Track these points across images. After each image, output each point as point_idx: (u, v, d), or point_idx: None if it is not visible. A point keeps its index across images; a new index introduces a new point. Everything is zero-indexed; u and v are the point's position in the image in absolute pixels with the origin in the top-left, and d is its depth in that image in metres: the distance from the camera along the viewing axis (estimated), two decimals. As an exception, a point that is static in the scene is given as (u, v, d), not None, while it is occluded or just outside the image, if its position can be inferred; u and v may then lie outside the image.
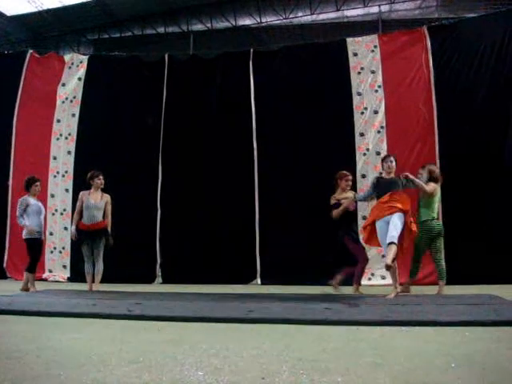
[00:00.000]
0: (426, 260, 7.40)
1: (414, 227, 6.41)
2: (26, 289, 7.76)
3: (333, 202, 7.28)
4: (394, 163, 6.61)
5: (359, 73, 9.70)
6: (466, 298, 6.02)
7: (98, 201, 7.88)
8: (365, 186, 8.92)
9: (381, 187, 6.61)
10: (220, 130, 10.03)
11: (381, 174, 6.61)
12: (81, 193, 7.96)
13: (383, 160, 6.83)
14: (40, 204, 8.06)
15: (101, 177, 7.96)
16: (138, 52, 13.90)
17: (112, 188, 10.04)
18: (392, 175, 6.63)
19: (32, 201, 7.94)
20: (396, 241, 6.07)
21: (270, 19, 18.31)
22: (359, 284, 7.36)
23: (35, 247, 7.88)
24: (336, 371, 2.71)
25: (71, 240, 8.73)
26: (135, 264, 9.71)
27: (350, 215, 7.38)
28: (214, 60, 10.74)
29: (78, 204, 7.89)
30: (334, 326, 4.34)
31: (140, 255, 9.84)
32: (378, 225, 6.41)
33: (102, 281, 8.87)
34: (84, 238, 7.85)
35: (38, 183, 8.05)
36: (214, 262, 9.51)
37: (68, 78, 10.86)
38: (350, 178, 7.46)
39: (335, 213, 7.12)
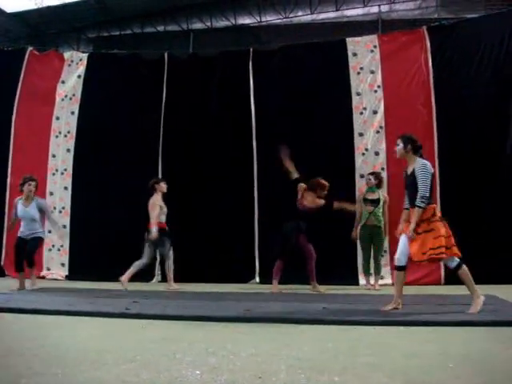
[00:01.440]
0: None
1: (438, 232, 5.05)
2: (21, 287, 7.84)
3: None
4: (399, 146, 5.41)
5: (358, 73, 9.68)
6: (464, 298, 6.02)
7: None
8: (363, 185, 8.91)
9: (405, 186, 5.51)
10: (219, 128, 10.01)
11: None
12: (157, 198, 8.27)
13: None
14: (35, 209, 7.83)
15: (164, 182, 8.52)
16: (137, 50, 13.85)
17: (111, 186, 10.10)
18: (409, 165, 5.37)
19: (19, 205, 7.87)
20: (401, 264, 5.26)
21: (270, 18, 18.24)
22: (316, 281, 7.84)
23: (16, 247, 7.99)
24: (333, 371, 2.72)
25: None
26: (133, 262, 9.70)
27: (307, 215, 7.74)
28: (213, 59, 10.72)
29: (158, 210, 8.20)
30: (331, 325, 4.35)
31: (138, 254, 9.82)
32: (401, 237, 5.34)
33: (101, 279, 8.90)
34: (163, 238, 8.26)
35: (31, 183, 7.86)
36: (212, 261, 9.50)
37: (67, 76, 10.82)
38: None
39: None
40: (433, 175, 5.27)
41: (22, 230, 7.88)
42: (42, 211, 7.99)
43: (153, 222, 8.08)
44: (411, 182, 5.23)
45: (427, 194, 5.07)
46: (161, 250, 8.50)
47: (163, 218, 8.35)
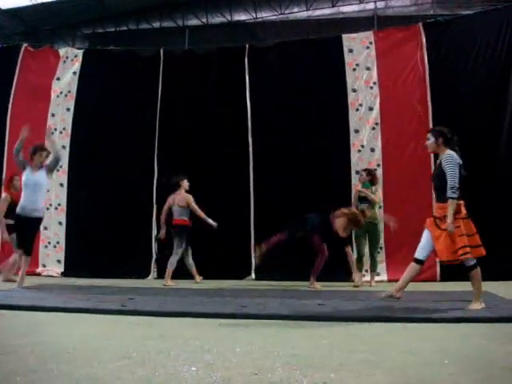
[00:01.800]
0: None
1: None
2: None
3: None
4: (429, 140, 5.25)
5: (354, 69, 9.67)
6: (460, 294, 6.03)
7: None
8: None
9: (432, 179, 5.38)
10: (215, 125, 9.99)
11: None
12: (186, 194, 8.85)
13: None
14: (43, 176, 7.21)
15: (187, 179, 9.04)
16: (133, 46, 13.82)
17: (107, 183, 10.07)
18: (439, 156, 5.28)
19: (27, 170, 7.15)
20: (420, 258, 5.14)
21: (266, 15, 18.24)
22: (315, 279, 7.89)
23: (15, 226, 7.45)
24: (329, 367, 2.71)
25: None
26: (130, 259, 9.69)
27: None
28: (209, 55, 10.69)
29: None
30: (327, 321, 4.35)
31: (135, 250, 9.82)
32: (424, 232, 5.19)
33: (97, 276, 8.87)
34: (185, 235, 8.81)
35: (42, 152, 7.19)
36: (208, 257, 9.48)
37: (63, 72, 10.77)
38: None
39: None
40: (461, 166, 5.08)
41: (23, 205, 7.07)
42: (51, 170, 7.47)
43: (203, 216, 8.66)
44: (438, 174, 5.12)
45: (457, 185, 4.92)
46: (178, 246, 8.76)
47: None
